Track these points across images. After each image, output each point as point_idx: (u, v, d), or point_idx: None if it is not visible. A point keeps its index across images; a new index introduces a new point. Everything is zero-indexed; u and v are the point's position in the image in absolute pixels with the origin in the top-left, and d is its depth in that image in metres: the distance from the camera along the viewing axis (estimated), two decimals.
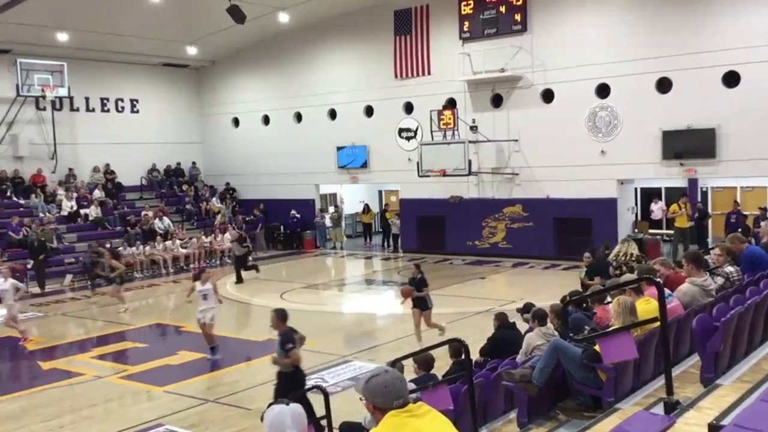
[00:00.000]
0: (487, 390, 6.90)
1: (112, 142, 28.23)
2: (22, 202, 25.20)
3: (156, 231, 25.73)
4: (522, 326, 9.40)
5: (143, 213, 26.64)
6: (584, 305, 8.65)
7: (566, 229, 22.61)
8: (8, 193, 25.18)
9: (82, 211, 25.77)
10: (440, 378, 7.34)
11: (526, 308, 9.32)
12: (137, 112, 29.57)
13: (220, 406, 10.60)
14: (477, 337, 9.52)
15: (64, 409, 10.34)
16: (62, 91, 25.93)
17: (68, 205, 25.71)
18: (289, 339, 8.74)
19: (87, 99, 27.85)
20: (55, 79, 25.65)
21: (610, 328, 6.16)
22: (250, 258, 23.16)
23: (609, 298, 7.62)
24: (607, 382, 5.92)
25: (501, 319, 9.44)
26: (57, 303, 19.86)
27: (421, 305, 13.28)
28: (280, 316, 9.11)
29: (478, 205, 24.44)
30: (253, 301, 19.20)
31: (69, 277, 22.32)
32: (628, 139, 21.52)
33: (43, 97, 25.71)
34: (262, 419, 4.64)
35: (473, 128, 23.88)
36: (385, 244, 28.04)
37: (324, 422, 7.95)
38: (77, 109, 27.61)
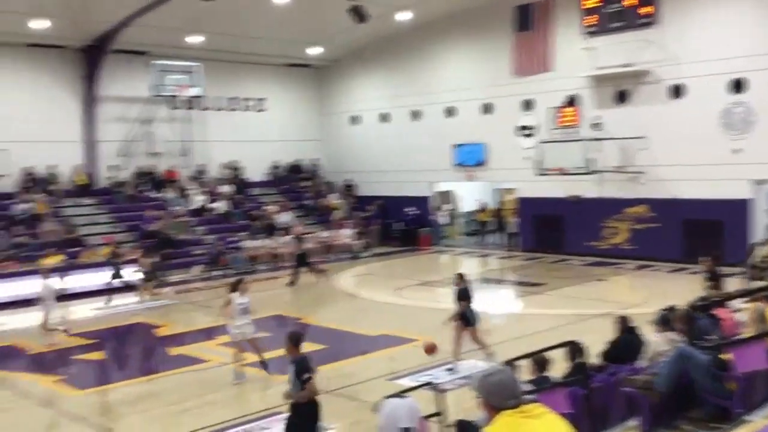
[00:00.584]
0: (607, 395, 6.69)
1: (240, 140, 29.46)
2: (156, 195, 26.76)
3: (276, 226, 26.63)
4: (646, 332, 9.02)
5: (264, 208, 27.65)
6: (710, 311, 8.22)
7: (695, 231, 21.51)
8: (143, 187, 26.81)
9: (210, 205, 27.06)
10: (557, 380, 7.17)
11: (664, 319, 8.66)
12: (263, 110, 30.69)
13: (334, 397, 10.82)
14: (594, 340, 9.24)
15: (189, 394, 10.86)
16: (195, 91, 27.27)
17: (198, 199, 27.05)
18: (305, 368, 7.69)
19: (217, 98, 29.18)
20: (188, 80, 27.02)
21: (742, 336, 5.83)
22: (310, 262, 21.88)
23: (738, 304, 7.22)
24: (737, 392, 5.61)
25: (623, 322, 9.12)
26: (186, 292, 20.94)
27: (465, 320, 11.91)
28: (293, 340, 8.02)
29: (597, 205, 23.69)
30: (367, 296, 19.48)
31: (198, 268, 23.47)
32: (765, 137, 20.21)
33: (177, 96, 27.16)
34: (374, 411, 4.70)
35: (596, 125, 23.15)
36: (501, 242, 27.73)
37: (437, 419, 7.95)
38: (208, 108, 28.98)
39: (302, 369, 7.59)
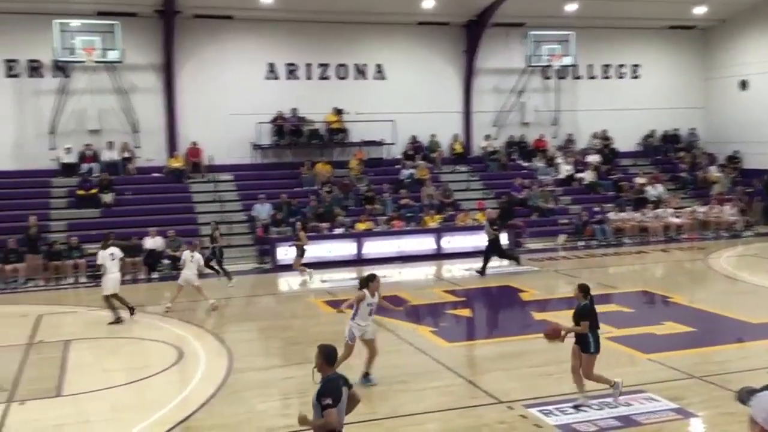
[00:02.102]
0: None
1: (611, 108, 28.63)
2: (525, 164, 27.42)
3: (647, 198, 25.44)
4: None
5: (635, 179, 26.56)
6: None
7: None
8: (513, 156, 27.68)
9: (577, 175, 26.88)
10: None
11: None
12: (638, 77, 29.39)
13: (705, 384, 10.10)
14: None
15: (550, 359, 11.02)
16: (567, 60, 27.19)
17: (565, 169, 27.05)
18: (329, 391, 6.00)
19: (590, 66, 28.71)
20: (561, 49, 27.04)
21: None
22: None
23: None
24: None
25: None
26: (550, 260, 21.23)
27: (582, 344, 9.24)
28: (325, 355, 6.23)
29: None
30: (749, 279, 17.65)
31: (562, 237, 23.59)
32: None
33: (550, 66, 27.37)
34: (740, 401, 4.31)
35: None
36: None
37: None
38: (580, 77, 28.68)
39: (325, 391, 6.01)
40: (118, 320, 14.54)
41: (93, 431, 9.11)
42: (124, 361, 12.27)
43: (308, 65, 25.95)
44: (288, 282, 19.42)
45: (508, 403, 9.46)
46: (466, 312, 15.53)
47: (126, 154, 23.92)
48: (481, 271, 18.87)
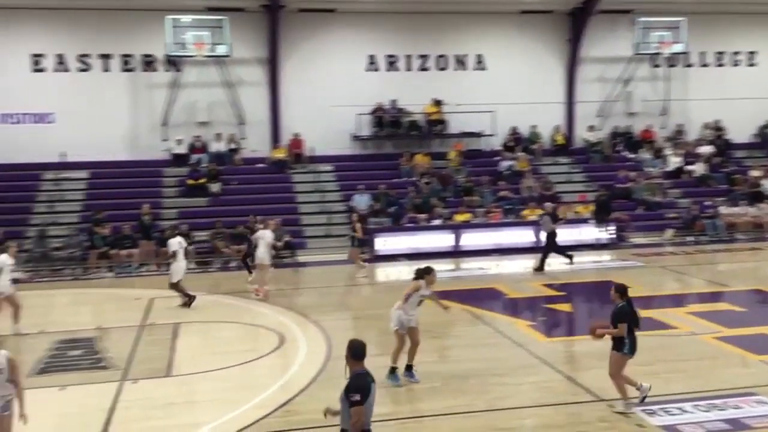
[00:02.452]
0: None
1: (724, 98, 27.24)
2: (631, 156, 26.51)
3: (762, 193, 24.10)
4: None
5: (750, 172, 25.20)
6: None
7: None
8: (619, 147, 26.80)
9: (687, 168, 25.76)
10: None
11: None
12: (754, 65, 27.92)
13: None
14: None
15: (656, 358, 10.66)
16: (678, 47, 26.11)
17: (674, 161, 25.97)
18: (357, 387, 5.95)
19: (702, 54, 27.46)
20: (671, 36, 25.97)
21: None
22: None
23: None
24: None
25: None
26: (656, 255, 20.47)
27: (617, 345, 8.85)
28: (353, 350, 6.17)
29: None
30: None
31: (670, 232, 22.69)
32: None
33: (659, 54, 26.32)
34: None
35: None
36: None
37: None
38: (691, 65, 27.48)
39: (353, 387, 5.94)
40: (191, 300, 15.02)
41: (199, 411, 9.51)
42: (229, 344, 12.72)
43: (408, 56, 26.05)
44: (386, 272, 19.59)
45: (609, 401, 9.21)
46: (565, 307, 15.20)
47: (232, 146, 24.76)
48: (539, 268, 18.34)
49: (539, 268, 18.35)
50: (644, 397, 8.91)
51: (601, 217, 21.65)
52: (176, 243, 15.20)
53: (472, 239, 21.49)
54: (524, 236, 21.76)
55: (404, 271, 19.37)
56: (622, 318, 8.78)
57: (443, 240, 21.44)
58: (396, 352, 10.07)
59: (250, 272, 17.53)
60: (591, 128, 27.02)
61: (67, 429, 8.95)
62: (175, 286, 15.23)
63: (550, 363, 10.97)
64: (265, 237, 16.09)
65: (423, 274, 10.18)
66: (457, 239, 21.38)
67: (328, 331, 12.98)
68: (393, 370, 10.02)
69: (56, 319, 14.90)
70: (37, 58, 23.77)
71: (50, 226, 20.95)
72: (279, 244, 19.14)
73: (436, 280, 10.30)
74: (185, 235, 17.28)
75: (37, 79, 23.76)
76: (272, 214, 21.25)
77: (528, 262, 20.18)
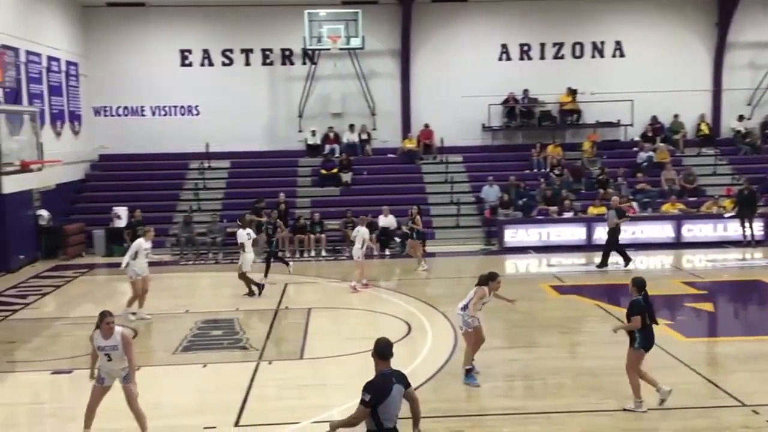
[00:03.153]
0: None
1: None
2: None
3: None
4: None
5: None
6: None
7: None
8: None
9: None
10: None
11: None
12: None
13: None
14: None
15: None
16: None
17: None
18: (371, 388, 5.87)
19: None
20: None
21: None
22: None
23: None
24: None
25: None
26: None
27: (630, 339, 8.78)
28: (376, 348, 6.08)
29: None
30: None
31: None
32: None
33: None
34: None
35: None
36: None
37: None
38: None
39: (370, 386, 5.88)
40: (261, 288, 15.34)
41: (329, 393, 9.82)
42: (358, 331, 13.01)
43: (542, 45, 25.51)
44: (515, 264, 19.33)
45: (753, 407, 8.67)
46: (707, 306, 14.39)
47: (364, 136, 25.23)
48: (601, 265, 17.59)
49: (602, 264, 17.65)
50: (663, 400, 8.68)
51: (744, 212, 20.27)
52: (244, 235, 15.42)
53: (605, 233, 20.67)
54: (663, 231, 20.83)
55: (533, 264, 19.10)
56: (635, 312, 8.64)
57: (575, 233, 20.87)
58: (469, 353, 9.95)
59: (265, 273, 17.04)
60: (740, 118, 25.40)
61: (210, 405, 9.48)
62: (243, 277, 15.49)
63: (689, 364, 10.47)
64: (360, 233, 16.12)
65: (487, 280, 10.11)
66: (590, 233, 20.71)
67: (455, 322, 12.97)
68: (468, 372, 9.88)
69: (199, 300, 15.81)
70: (185, 54, 25.23)
71: (195, 212, 22.20)
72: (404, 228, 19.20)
73: (500, 286, 10.18)
74: (268, 222, 17.88)
75: (184, 74, 25.22)
76: (402, 205, 21.53)
77: (667, 258, 19.32)
